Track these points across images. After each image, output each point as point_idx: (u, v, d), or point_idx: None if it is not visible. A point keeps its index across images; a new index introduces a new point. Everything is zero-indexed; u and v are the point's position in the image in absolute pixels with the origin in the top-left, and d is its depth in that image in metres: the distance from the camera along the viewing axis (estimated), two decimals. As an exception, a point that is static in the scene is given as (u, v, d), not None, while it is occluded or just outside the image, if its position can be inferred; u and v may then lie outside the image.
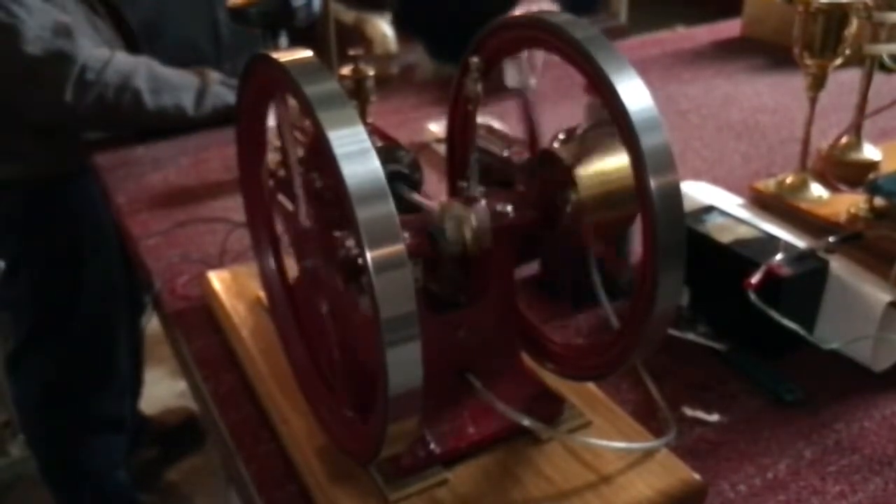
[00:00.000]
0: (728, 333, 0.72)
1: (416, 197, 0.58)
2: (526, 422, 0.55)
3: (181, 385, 1.76)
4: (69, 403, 1.43)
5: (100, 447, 1.49)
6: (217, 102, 1.22)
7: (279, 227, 0.67)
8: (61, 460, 1.48)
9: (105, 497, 1.54)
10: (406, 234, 0.52)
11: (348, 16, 2.81)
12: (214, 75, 1.24)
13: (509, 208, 0.56)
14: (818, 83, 0.84)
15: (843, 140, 0.93)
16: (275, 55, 0.48)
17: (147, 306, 1.53)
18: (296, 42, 1.07)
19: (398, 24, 2.31)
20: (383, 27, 2.73)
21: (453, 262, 0.57)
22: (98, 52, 1.14)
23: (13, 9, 1.08)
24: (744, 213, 0.79)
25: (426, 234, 0.53)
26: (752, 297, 0.67)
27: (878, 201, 0.78)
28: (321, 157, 0.46)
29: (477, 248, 0.53)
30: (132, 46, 1.26)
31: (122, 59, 1.16)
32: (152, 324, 1.58)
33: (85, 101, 1.13)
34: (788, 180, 0.88)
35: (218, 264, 0.87)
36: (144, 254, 0.93)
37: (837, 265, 0.72)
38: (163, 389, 1.89)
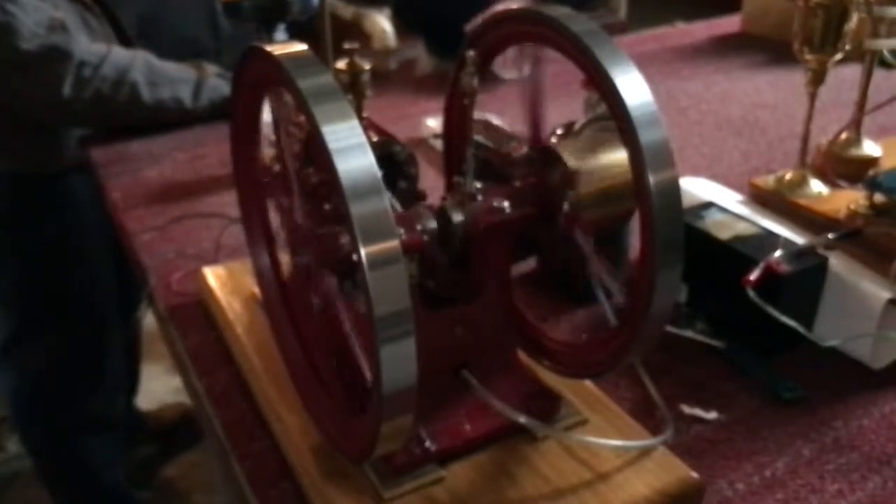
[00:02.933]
0: (726, 331, 0.72)
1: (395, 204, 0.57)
2: (522, 419, 0.55)
3: (178, 381, 1.76)
4: (61, 400, 1.43)
5: (94, 445, 1.49)
6: (214, 95, 1.21)
7: (274, 223, 0.67)
8: (55, 457, 1.48)
9: (101, 494, 1.54)
10: (401, 230, 0.51)
11: (347, 11, 2.80)
12: (211, 68, 1.23)
13: (506, 204, 0.55)
14: (818, 79, 0.84)
15: (843, 136, 0.93)
16: (268, 48, 0.48)
17: (142, 302, 1.53)
18: (294, 37, 1.07)
19: (397, 20, 2.30)
20: (382, 22, 2.72)
21: (449, 257, 0.57)
22: (94, 47, 1.14)
23: (7, 6, 1.07)
24: (743, 210, 0.79)
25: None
26: (751, 294, 0.66)
27: (878, 198, 0.78)
28: (315, 152, 0.46)
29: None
30: (126, 45, 1.25)
31: (119, 53, 1.15)
32: (149, 320, 1.58)
33: (83, 96, 1.12)
34: (788, 177, 0.88)
35: (213, 260, 0.86)
36: (139, 249, 0.93)
37: (837, 262, 0.71)
38: (160, 386, 1.88)
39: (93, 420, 1.47)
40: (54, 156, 1.27)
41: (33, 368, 1.40)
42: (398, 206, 0.59)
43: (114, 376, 1.49)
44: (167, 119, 1.21)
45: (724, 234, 0.73)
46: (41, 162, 1.27)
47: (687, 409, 0.66)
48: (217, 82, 1.22)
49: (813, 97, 0.85)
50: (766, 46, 1.51)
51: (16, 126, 1.22)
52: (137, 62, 1.16)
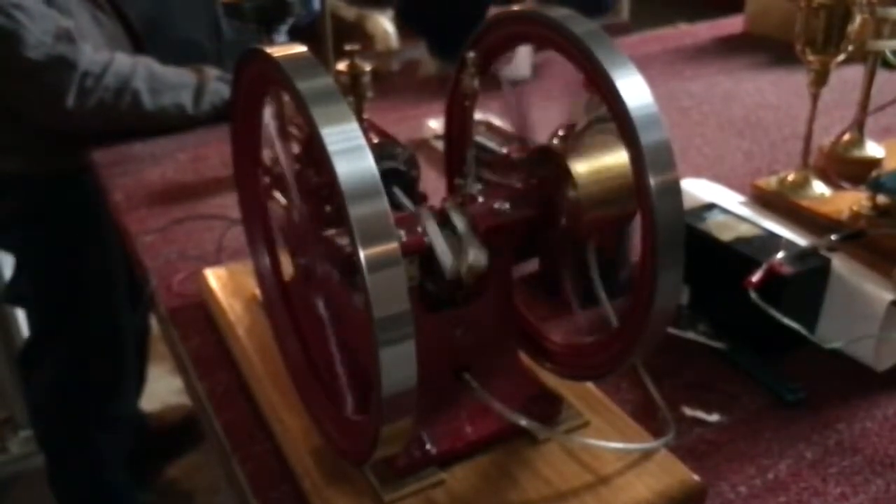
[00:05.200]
0: (729, 332, 0.72)
1: (405, 201, 0.57)
2: (523, 422, 0.55)
3: (180, 382, 1.76)
4: (79, 400, 1.43)
5: (105, 444, 1.49)
6: (215, 99, 1.22)
7: (275, 225, 0.67)
8: (68, 457, 1.48)
9: (105, 495, 1.54)
10: (401, 232, 0.51)
11: (349, 12, 2.80)
12: (212, 72, 1.24)
13: (507, 205, 0.55)
14: (820, 79, 0.83)
15: (846, 137, 0.92)
16: (268, 50, 0.48)
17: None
18: (297, 38, 1.06)
19: (399, 21, 2.30)
20: (384, 23, 2.73)
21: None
22: (98, 56, 1.14)
23: (15, 14, 1.08)
24: (745, 211, 0.79)
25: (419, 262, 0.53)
26: (753, 295, 0.66)
27: (881, 199, 0.77)
28: (315, 154, 0.45)
29: (472, 279, 0.53)
30: (137, 43, 1.25)
31: (122, 62, 1.16)
32: (151, 321, 1.58)
33: (86, 105, 1.13)
34: (790, 178, 0.88)
35: (215, 261, 0.86)
36: (141, 251, 0.93)
37: (839, 263, 0.71)
38: (162, 386, 1.88)
39: (107, 419, 1.48)
40: (72, 153, 1.27)
41: (53, 368, 1.40)
42: (407, 202, 0.58)
43: (129, 375, 1.50)
44: (169, 125, 1.21)
45: (726, 236, 0.73)
46: (60, 160, 1.27)
47: (689, 411, 0.66)
48: (218, 86, 1.22)
49: (815, 98, 0.85)
50: (769, 47, 1.51)
51: (30, 127, 1.22)
52: (139, 70, 1.17)
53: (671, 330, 0.69)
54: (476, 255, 0.52)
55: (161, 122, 1.20)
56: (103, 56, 1.15)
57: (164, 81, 1.18)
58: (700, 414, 0.65)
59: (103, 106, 1.14)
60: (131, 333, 1.48)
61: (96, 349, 1.41)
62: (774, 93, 1.33)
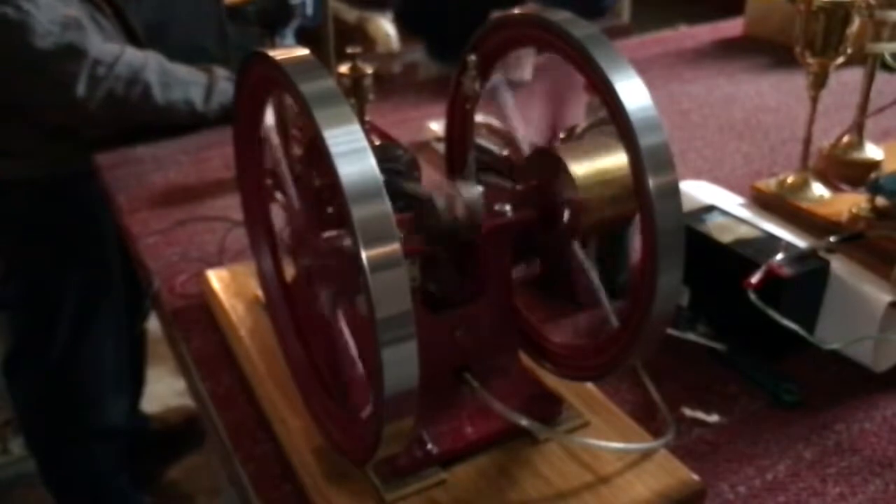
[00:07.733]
0: (728, 334, 0.72)
1: (410, 185, 0.57)
2: (524, 422, 0.55)
3: (182, 383, 1.75)
4: (66, 406, 1.42)
5: (98, 450, 1.48)
6: (224, 99, 1.21)
7: (277, 226, 0.67)
8: (59, 463, 1.48)
9: (105, 498, 1.54)
10: (402, 234, 0.51)
11: (351, 14, 2.80)
12: (221, 72, 1.23)
13: (507, 207, 0.56)
14: (820, 82, 0.84)
15: (845, 139, 0.93)
16: (271, 53, 0.48)
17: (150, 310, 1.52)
18: (299, 41, 1.07)
19: (399, 23, 2.31)
20: (385, 26, 2.73)
21: (450, 260, 0.57)
22: (108, 46, 1.14)
23: (21, 4, 1.07)
24: (744, 213, 0.79)
25: (419, 215, 0.53)
26: (753, 297, 0.66)
27: (880, 201, 0.78)
28: (317, 156, 0.46)
29: (470, 226, 0.52)
30: (137, 46, 1.25)
31: (132, 54, 1.15)
32: (153, 322, 1.58)
33: (96, 95, 1.12)
34: (790, 180, 0.88)
35: (217, 263, 0.87)
36: (144, 252, 0.93)
37: (838, 265, 0.71)
38: (164, 388, 1.89)
39: (98, 425, 1.47)
40: (70, 158, 1.27)
41: (40, 373, 1.40)
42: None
43: (120, 381, 1.49)
44: (177, 121, 1.21)
45: (725, 238, 0.73)
46: (57, 165, 1.27)
47: (688, 412, 0.66)
48: (227, 86, 1.22)
49: (815, 100, 0.85)
50: (769, 50, 1.51)
51: (31, 130, 1.22)
52: (150, 62, 1.16)
53: (671, 331, 0.70)
54: (469, 191, 0.52)
55: (170, 117, 1.19)
56: (114, 47, 1.14)
57: (176, 76, 1.18)
58: (699, 415, 0.66)
59: (113, 97, 1.13)
60: (124, 346, 1.46)
61: (82, 362, 1.39)
62: (774, 95, 1.33)
